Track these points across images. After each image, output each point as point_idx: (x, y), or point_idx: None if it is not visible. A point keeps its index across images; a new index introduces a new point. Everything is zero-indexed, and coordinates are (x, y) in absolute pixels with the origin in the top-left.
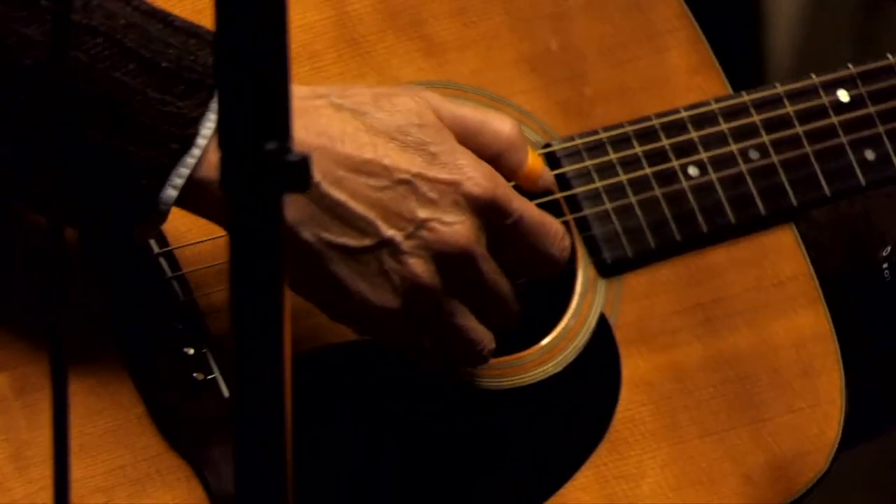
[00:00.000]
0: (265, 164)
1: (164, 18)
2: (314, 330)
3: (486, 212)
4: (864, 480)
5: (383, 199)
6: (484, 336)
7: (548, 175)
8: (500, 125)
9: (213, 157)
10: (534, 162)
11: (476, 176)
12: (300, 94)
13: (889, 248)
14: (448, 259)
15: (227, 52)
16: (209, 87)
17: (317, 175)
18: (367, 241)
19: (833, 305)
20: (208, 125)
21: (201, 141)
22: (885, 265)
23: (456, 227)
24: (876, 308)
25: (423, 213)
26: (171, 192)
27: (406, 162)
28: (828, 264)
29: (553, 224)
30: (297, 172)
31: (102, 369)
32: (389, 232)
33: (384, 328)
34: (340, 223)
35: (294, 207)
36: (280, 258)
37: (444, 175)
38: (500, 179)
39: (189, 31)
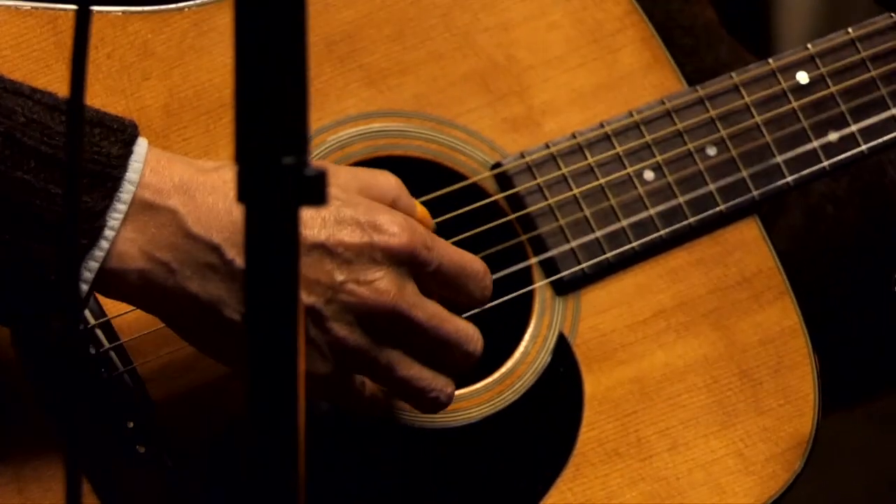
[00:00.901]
0: (283, 179)
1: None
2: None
3: (405, 263)
4: (853, 446)
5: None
6: (434, 381)
7: (430, 222)
8: (386, 175)
9: (123, 247)
10: (422, 211)
11: (393, 229)
12: (208, 167)
13: None
14: (374, 318)
15: (246, 67)
16: (114, 178)
17: (230, 252)
18: None
19: (847, 260)
20: (115, 216)
21: (109, 233)
22: None
23: (376, 285)
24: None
25: (340, 276)
26: (82, 287)
27: (318, 225)
28: (845, 216)
29: (473, 265)
30: (314, 187)
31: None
32: (310, 300)
33: (324, 392)
34: None
35: (212, 286)
36: (297, 269)
37: (356, 233)
38: (419, 227)
39: (94, 120)
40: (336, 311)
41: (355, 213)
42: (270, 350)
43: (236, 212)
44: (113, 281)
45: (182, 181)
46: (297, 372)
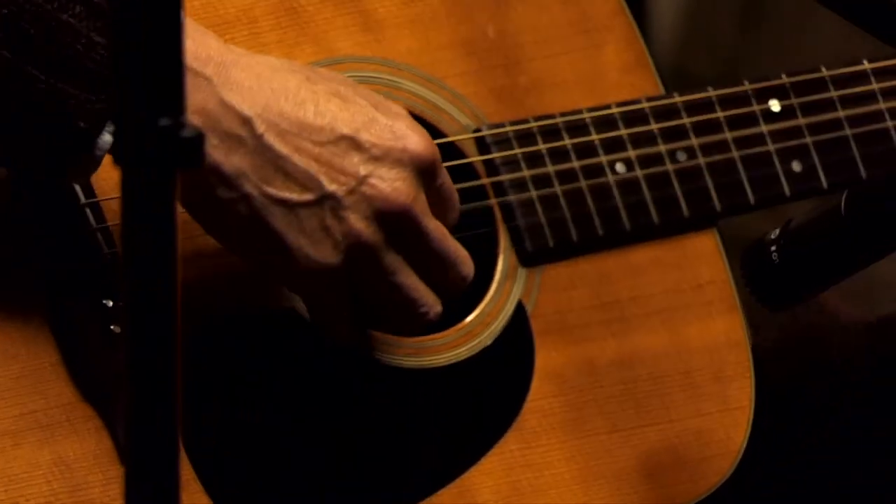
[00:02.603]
0: (159, 140)
1: None
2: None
3: (424, 172)
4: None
5: (325, 155)
6: (426, 296)
7: None
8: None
9: None
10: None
11: (417, 137)
12: (240, 51)
13: (777, 231)
14: (390, 215)
15: (121, 27)
16: None
17: (261, 127)
18: (308, 196)
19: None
20: None
21: None
22: (772, 248)
23: (397, 184)
24: (766, 290)
25: (364, 169)
26: (107, 138)
27: (348, 119)
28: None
29: (457, 199)
30: (191, 148)
31: (21, 314)
32: (332, 187)
33: (320, 285)
34: (283, 177)
35: (237, 157)
36: (174, 229)
37: (386, 133)
38: (435, 144)
39: None
40: (355, 201)
41: (387, 118)
42: (149, 312)
43: (269, 91)
44: None
45: (219, 54)
46: (174, 333)
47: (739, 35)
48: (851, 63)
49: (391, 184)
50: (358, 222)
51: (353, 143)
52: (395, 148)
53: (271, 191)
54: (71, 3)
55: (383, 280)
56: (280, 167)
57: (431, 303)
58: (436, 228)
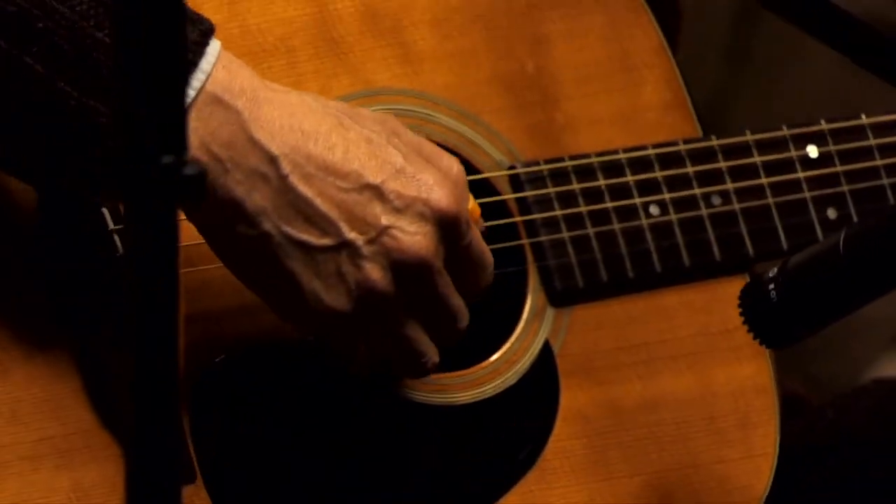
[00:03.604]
0: (161, 178)
1: None
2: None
3: (447, 228)
4: None
5: (348, 202)
6: (429, 349)
7: (482, 222)
8: (451, 160)
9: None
10: (473, 205)
11: (443, 191)
12: (276, 87)
13: (775, 269)
14: (406, 269)
15: (124, 64)
16: (188, 63)
17: (286, 168)
18: (327, 241)
19: None
20: (189, 92)
21: None
22: (771, 286)
23: (417, 238)
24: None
25: (386, 220)
26: None
27: (376, 168)
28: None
29: (490, 256)
30: (193, 185)
31: (44, 337)
32: (351, 234)
33: (329, 329)
34: (304, 220)
35: (259, 195)
36: (176, 266)
37: (412, 185)
38: (464, 201)
39: None
40: (374, 252)
41: (414, 168)
42: (152, 347)
43: (299, 132)
44: None
45: (251, 88)
46: (176, 366)
47: (727, 68)
48: (891, 111)
49: (412, 237)
50: (374, 272)
51: (378, 193)
52: (419, 200)
53: (291, 231)
54: (106, 20)
55: (391, 330)
56: (302, 210)
57: (432, 354)
58: (446, 284)
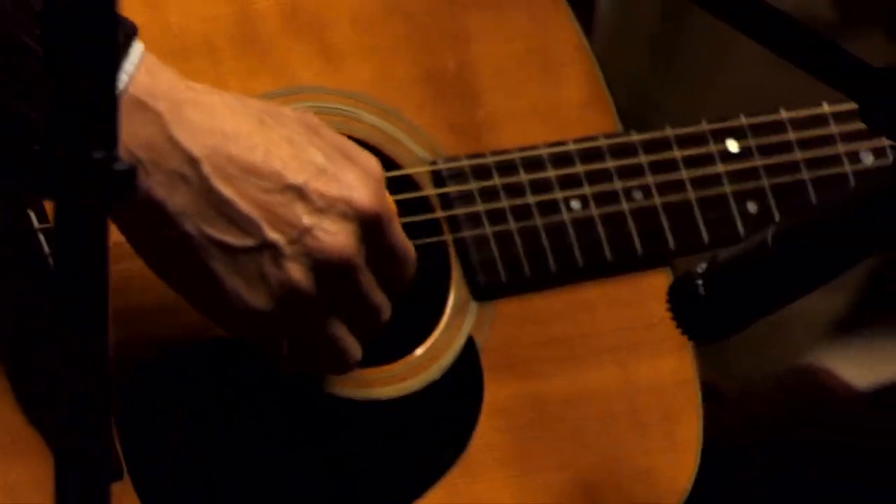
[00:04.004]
0: (92, 173)
1: None
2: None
3: (369, 227)
4: None
5: (270, 203)
6: (352, 347)
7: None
8: (369, 158)
9: None
10: (391, 201)
11: (365, 190)
12: (197, 87)
13: (704, 265)
14: (328, 268)
15: (54, 59)
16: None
17: (207, 169)
18: (249, 242)
19: None
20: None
21: None
22: (699, 281)
23: (339, 238)
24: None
25: (308, 221)
26: None
27: (297, 168)
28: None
29: (412, 253)
30: (124, 181)
31: None
32: (273, 235)
33: (252, 329)
34: (225, 221)
35: (180, 197)
36: (106, 262)
37: (333, 185)
38: (388, 201)
39: None
40: (296, 252)
41: (336, 167)
42: (79, 346)
43: (220, 133)
44: None
45: (172, 90)
46: (105, 360)
47: (650, 68)
48: (811, 106)
49: (334, 237)
50: (296, 272)
51: (300, 193)
52: (341, 199)
53: (212, 233)
54: (33, 25)
55: (314, 329)
56: (223, 211)
57: (356, 352)
58: (369, 281)
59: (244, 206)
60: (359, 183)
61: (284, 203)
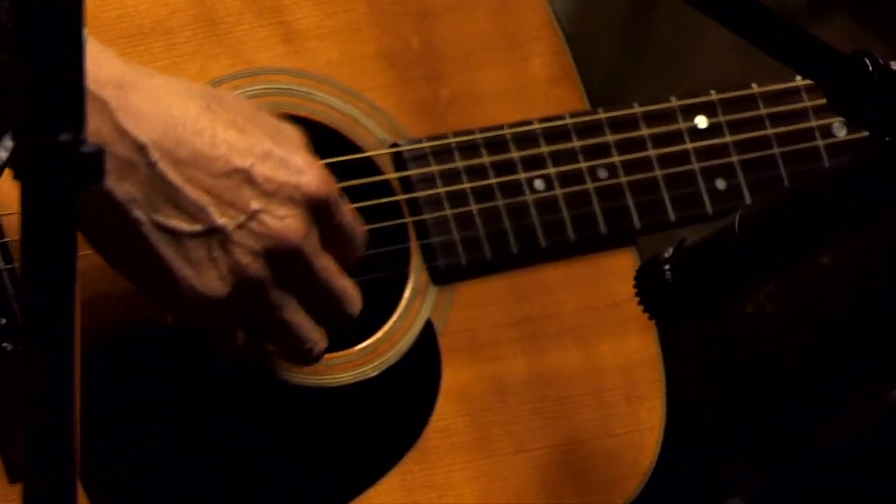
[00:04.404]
0: (59, 156)
1: None
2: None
3: (318, 210)
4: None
5: (217, 187)
6: (312, 333)
7: None
8: (293, 128)
9: None
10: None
11: (313, 173)
12: (142, 71)
13: (671, 250)
14: (278, 253)
15: (22, 42)
16: None
17: (155, 154)
18: (197, 227)
19: None
20: None
21: None
22: (666, 266)
23: (287, 222)
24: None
25: (256, 205)
26: (7, 143)
27: (244, 152)
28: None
29: (362, 230)
30: (91, 164)
31: None
32: (221, 220)
33: (204, 316)
34: (173, 206)
35: (129, 184)
36: (74, 244)
37: (281, 169)
38: (333, 180)
39: None
40: (244, 237)
41: (283, 150)
42: (48, 329)
43: (167, 118)
44: None
45: (117, 76)
46: (73, 349)
47: (620, 51)
48: (783, 80)
49: (281, 221)
50: (245, 257)
51: (247, 177)
52: (288, 184)
53: (160, 219)
54: None
55: (269, 315)
56: (171, 196)
57: (317, 339)
58: (325, 267)
59: (192, 192)
60: (307, 166)
61: (232, 187)
